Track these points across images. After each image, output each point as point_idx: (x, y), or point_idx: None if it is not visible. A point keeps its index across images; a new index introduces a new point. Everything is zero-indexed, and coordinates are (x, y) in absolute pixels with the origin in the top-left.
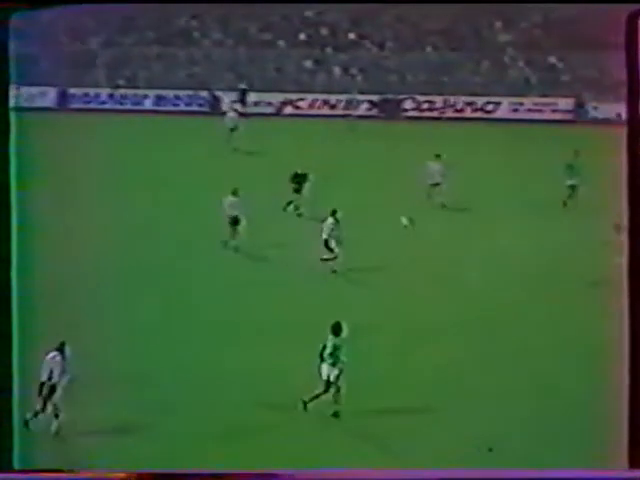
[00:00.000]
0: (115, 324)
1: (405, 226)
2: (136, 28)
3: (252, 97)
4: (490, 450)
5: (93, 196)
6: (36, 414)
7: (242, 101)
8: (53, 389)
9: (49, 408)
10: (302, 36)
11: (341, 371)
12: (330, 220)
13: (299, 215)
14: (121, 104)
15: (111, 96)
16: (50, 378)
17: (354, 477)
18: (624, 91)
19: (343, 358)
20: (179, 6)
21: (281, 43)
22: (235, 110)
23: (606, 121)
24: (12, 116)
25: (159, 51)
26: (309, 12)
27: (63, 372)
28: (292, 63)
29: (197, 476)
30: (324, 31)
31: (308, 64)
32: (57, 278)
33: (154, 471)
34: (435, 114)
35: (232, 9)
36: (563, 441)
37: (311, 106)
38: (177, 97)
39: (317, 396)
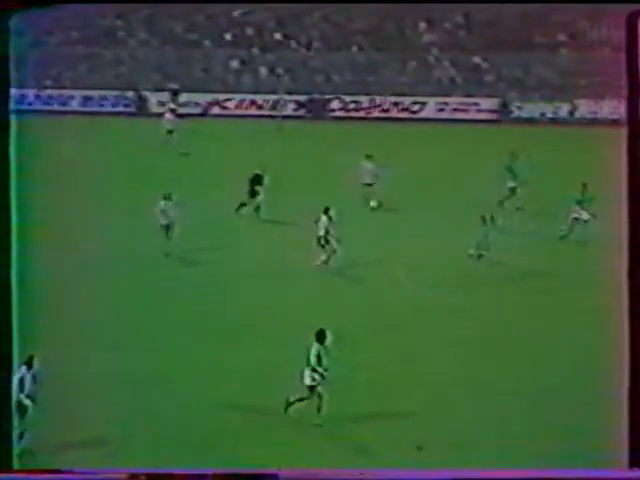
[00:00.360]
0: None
1: (372, 208)
2: (62, 28)
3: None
4: (419, 449)
5: (19, 197)
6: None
7: (174, 102)
8: (24, 406)
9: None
10: (228, 36)
11: (323, 378)
12: (324, 218)
13: (259, 217)
14: (48, 104)
15: (38, 97)
16: (22, 393)
17: (355, 477)
18: (548, 91)
19: (326, 365)
20: (105, 6)
21: (207, 43)
22: (172, 111)
23: (530, 120)
24: None
25: (85, 51)
26: (235, 12)
27: (33, 386)
28: (218, 63)
29: (197, 476)
30: (250, 31)
31: (234, 64)
32: None
33: (154, 471)
34: (362, 114)
35: (158, 8)
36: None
37: (238, 106)
38: (103, 97)
39: (300, 400)
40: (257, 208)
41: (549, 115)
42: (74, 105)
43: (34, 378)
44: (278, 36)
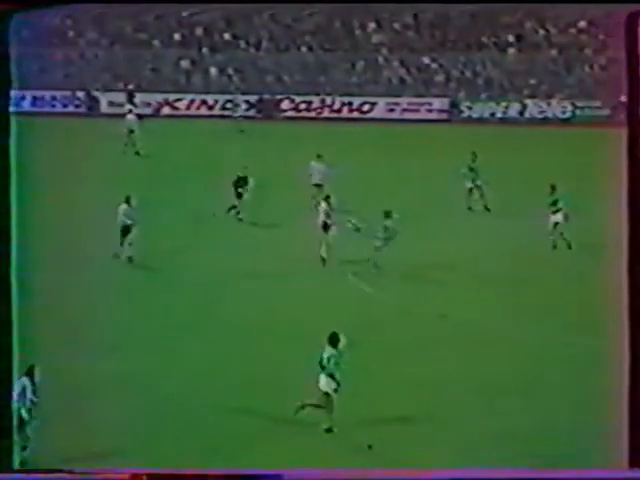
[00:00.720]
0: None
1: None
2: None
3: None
4: (370, 447)
5: None
6: (24, 447)
7: (130, 102)
8: (24, 417)
9: (20, 438)
10: (177, 36)
11: (339, 384)
12: (323, 205)
13: (239, 220)
14: None
15: None
16: (23, 405)
17: (357, 478)
18: (497, 90)
19: (338, 370)
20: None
21: (156, 43)
22: (130, 111)
23: (480, 120)
24: None
25: (34, 51)
26: (184, 12)
27: (33, 397)
28: (168, 63)
29: (197, 476)
30: (199, 31)
31: (184, 64)
32: None
33: (154, 471)
34: (312, 114)
35: (108, 8)
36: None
37: (189, 107)
38: (54, 98)
39: (312, 405)
40: (237, 210)
41: (499, 115)
42: (25, 106)
43: (35, 388)
44: (227, 36)
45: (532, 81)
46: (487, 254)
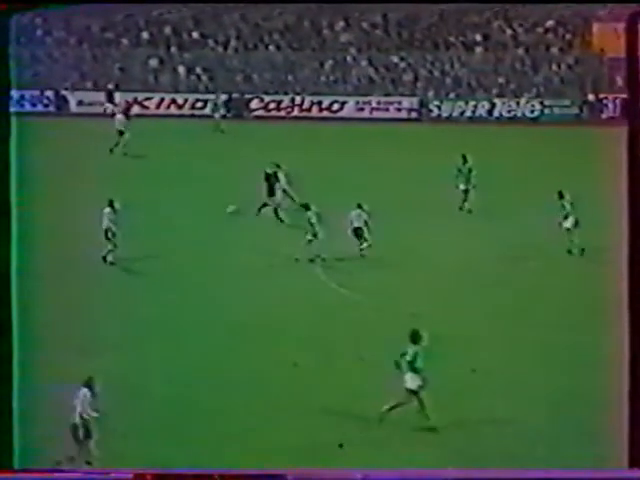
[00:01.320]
0: None
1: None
2: None
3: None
4: (340, 446)
5: None
6: (72, 459)
7: (110, 101)
8: (88, 431)
9: (84, 454)
10: (145, 35)
11: (424, 381)
12: (357, 211)
13: (281, 221)
14: None
15: None
16: (82, 418)
17: (358, 478)
18: (463, 89)
19: (422, 366)
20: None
21: (124, 42)
22: (114, 111)
23: (449, 119)
24: None
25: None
26: (154, 12)
27: (93, 410)
28: (137, 62)
29: (198, 476)
30: (167, 30)
31: (153, 63)
32: None
33: (154, 471)
34: (282, 113)
35: (74, 8)
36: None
37: (158, 106)
38: (22, 97)
39: (397, 406)
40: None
41: (468, 114)
42: None
43: (94, 400)
44: (195, 35)
45: (500, 80)
46: (461, 252)
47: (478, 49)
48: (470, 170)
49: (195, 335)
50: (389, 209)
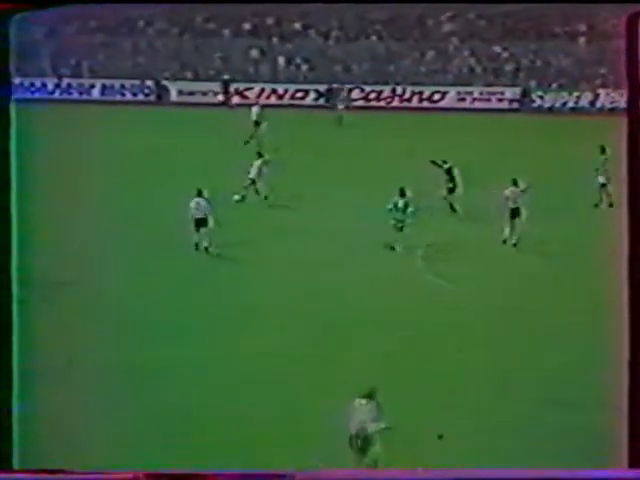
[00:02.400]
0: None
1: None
2: (79, 17)
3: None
4: (439, 437)
5: (41, 189)
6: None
7: (226, 92)
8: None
9: (366, 461)
10: (247, 26)
11: None
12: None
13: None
14: (69, 94)
15: (58, 86)
16: (363, 428)
17: (357, 477)
18: (566, 80)
19: None
20: None
21: (226, 32)
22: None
23: (551, 110)
24: None
25: (103, 40)
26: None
27: (375, 420)
28: (237, 52)
29: (198, 476)
30: (269, 21)
31: (254, 53)
32: None
33: (154, 471)
34: (382, 104)
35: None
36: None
37: (258, 96)
38: (123, 86)
39: None
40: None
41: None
42: (95, 94)
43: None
44: (297, 26)
45: (602, 71)
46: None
47: (582, 39)
48: (606, 161)
49: (287, 327)
50: None
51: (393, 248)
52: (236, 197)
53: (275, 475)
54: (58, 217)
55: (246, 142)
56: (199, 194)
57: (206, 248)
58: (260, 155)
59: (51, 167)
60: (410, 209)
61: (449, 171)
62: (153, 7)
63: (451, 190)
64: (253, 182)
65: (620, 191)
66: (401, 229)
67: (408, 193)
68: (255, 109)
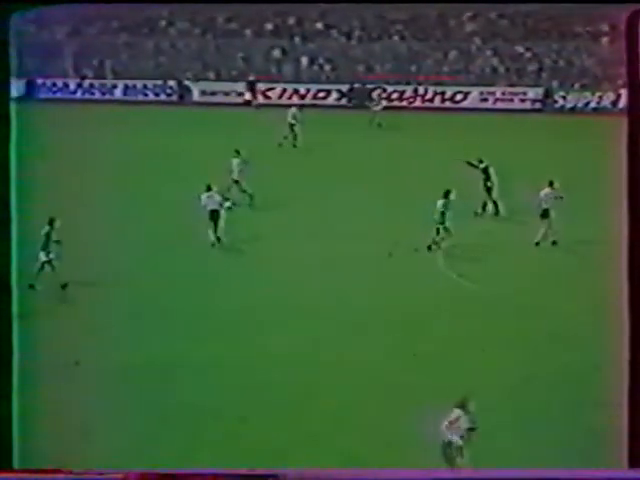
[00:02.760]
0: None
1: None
2: (101, 17)
3: (219, 87)
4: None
5: (62, 188)
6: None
7: (252, 91)
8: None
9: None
10: (269, 26)
11: None
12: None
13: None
14: (91, 94)
15: (80, 85)
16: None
17: (355, 477)
18: (588, 80)
19: None
20: None
21: (248, 33)
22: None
23: (573, 110)
24: None
25: (126, 40)
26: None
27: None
28: (259, 53)
29: (198, 476)
30: (291, 20)
31: (276, 53)
32: None
33: (154, 471)
34: (404, 104)
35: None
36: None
37: (280, 96)
38: (145, 87)
39: None
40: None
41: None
42: (117, 94)
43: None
44: (319, 26)
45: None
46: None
47: (604, 39)
48: None
49: (312, 325)
50: None
51: (430, 248)
52: (227, 204)
53: (267, 474)
54: (73, 216)
55: (280, 144)
56: (208, 189)
57: (218, 238)
58: (238, 153)
59: (74, 166)
60: (448, 211)
61: (485, 170)
62: (175, 7)
63: (489, 189)
64: (236, 182)
65: (620, 191)
66: (438, 231)
67: (451, 196)
68: (292, 110)
